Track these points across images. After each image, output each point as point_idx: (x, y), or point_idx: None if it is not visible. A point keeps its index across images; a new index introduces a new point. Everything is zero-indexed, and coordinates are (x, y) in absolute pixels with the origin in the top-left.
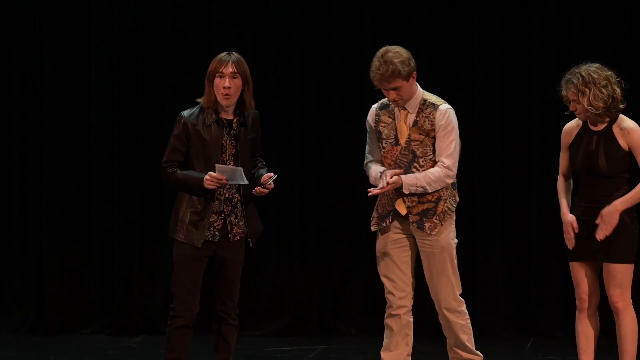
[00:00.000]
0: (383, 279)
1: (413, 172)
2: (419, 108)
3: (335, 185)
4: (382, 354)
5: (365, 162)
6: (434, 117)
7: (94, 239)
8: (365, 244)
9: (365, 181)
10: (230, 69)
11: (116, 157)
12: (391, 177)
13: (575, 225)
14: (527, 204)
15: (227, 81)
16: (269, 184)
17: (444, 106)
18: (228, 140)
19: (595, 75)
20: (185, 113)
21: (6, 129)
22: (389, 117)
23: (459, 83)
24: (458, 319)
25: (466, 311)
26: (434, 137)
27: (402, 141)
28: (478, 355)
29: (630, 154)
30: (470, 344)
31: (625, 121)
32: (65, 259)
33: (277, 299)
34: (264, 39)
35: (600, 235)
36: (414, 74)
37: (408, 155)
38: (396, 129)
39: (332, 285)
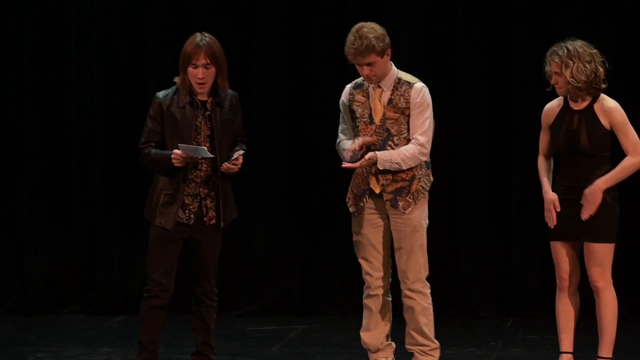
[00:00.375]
0: (360, 260)
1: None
2: (394, 86)
3: (317, 167)
4: (362, 334)
5: (337, 141)
6: (409, 95)
7: (75, 220)
8: (346, 224)
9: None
10: (203, 60)
11: (98, 141)
12: (362, 144)
13: (557, 204)
14: (508, 184)
15: (200, 72)
16: (235, 159)
17: (419, 84)
18: (203, 122)
19: (580, 50)
20: (160, 94)
21: None
22: (363, 96)
23: (439, 64)
24: (421, 300)
25: (429, 295)
26: (409, 116)
27: (377, 120)
28: (434, 342)
29: (611, 133)
30: (429, 330)
31: (607, 100)
32: (45, 240)
33: (258, 278)
34: (248, 22)
35: (585, 215)
36: (389, 51)
37: (382, 133)
38: (370, 108)
39: (313, 265)
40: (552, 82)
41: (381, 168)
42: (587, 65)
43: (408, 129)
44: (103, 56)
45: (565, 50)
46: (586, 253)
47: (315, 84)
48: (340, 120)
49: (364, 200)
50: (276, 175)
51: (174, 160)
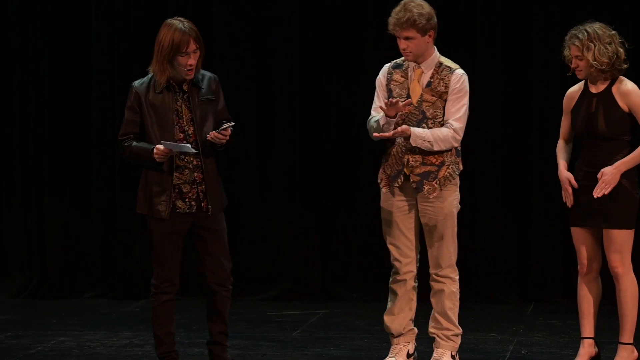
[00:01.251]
0: (389, 246)
1: None
2: (434, 70)
3: (336, 149)
4: (385, 317)
5: (369, 118)
6: (449, 80)
7: (95, 204)
8: (366, 208)
9: (366, 144)
10: (193, 46)
11: (117, 120)
12: (396, 101)
13: (573, 181)
14: (529, 169)
15: (192, 58)
16: (224, 129)
17: (460, 71)
18: (183, 105)
19: (600, 32)
20: (136, 83)
21: (7, 95)
22: (402, 76)
23: (459, 46)
24: (450, 285)
25: (458, 281)
26: (446, 100)
27: (414, 100)
28: (457, 327)
29: (630, 116)
30: (453, 315)
31: (625, 82)
32: (67, 224)
33: (279, 263)
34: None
35: (598, 192)
36: (432, 32)
37: (418, 115)
38: (408, 89)
39: (333, 249)
40: (572, 66)
41: (413, 144)
42: (608, 47)
43: (443, 114)
44: (122, 32)
45: (585, 33)
46: (605, 239)
47: (333, 66)
48: (375, 98)
49: (399, 181)
50: (294, 157)
51: (155, 155)
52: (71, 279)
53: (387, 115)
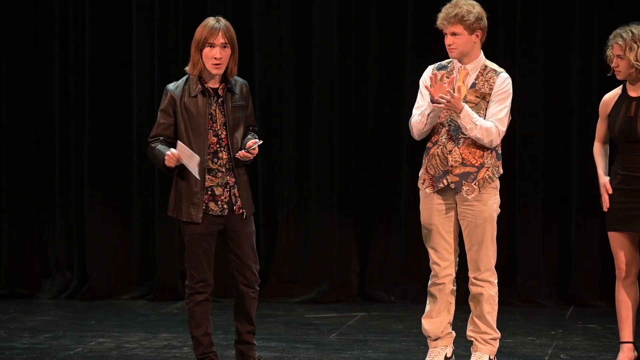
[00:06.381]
0: (429, 249)
1: (462, 135)
2: (480, 72)
3: (375, 152)
4: (424, 320)
5: (411, 117)
6: (493, 82)
7: (135, 205)
8: (405, 211)
9: (405, 146)
10: (221, 39)
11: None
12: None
13: (609, 186)
14: (568, 172)
15: (218, 51)
16: (253, 149)
17: (505, 74)
18: (217, 109)
19: None
20: (171, 86)
21: (48, 97)
22: (446, 77)
23: (499, 49)
24: (489, 289)
25: (496, 284)
26: (489, 102)
27: None
28: (496, 332)
29: None
30: (492, 318)
31: None
32: (106, 226)
33: (316, 266)
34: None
35: None
36: (479, 32)
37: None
38: (452, 89)
39: (371, 252)
40: (612, 65)
41: (461, 118)
42: None
43: (484, 116)
44: (162, 32)
45: (630, 33)
46: None
47: (371, 63)
48: (418, 98)
49: (444, 181)
50: (332, 160)
51: (165, 157)
52: (110, 280)
53: (432, 101)
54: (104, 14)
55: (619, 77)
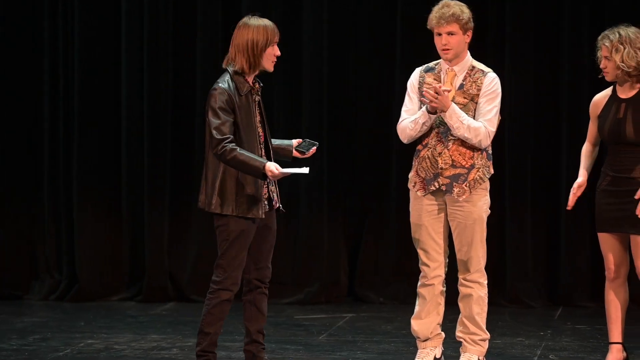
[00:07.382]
0: (418, 250)
1: (451, 137)
2: (467, 73)
3: (365, 152)
4: (413, 321)
5: (400, 120)
6: (481, 82)
7: (124, 207)
8: (394, 212)
9: (395, 148)
10: (278, 37)
11: (146, 124)
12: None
13: (578, 189)
14: (557, 172)
15: (277, 49)
16: (309, 153)
17: (493, 74)
18: (256, 107)
19: (632, 36)
20: (224, 85)
21: (36, 98)
22: (435, 79)
23: (488, 49)
24: (478, 290)
25: (486, 285)
26: (477, 103)
27: None
28: (485, 332)
29: None
30: (481, 319)
31: None
32: (95, 227)
33: (306, 267)
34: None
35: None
36: (470, 32)
37: None
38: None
39: (361, 253)
40: (601, 66)
41: (447, 117)
42: (638, 51)
43: (474, 117)
44: (151, 35)
45: (617, 35)
46: (633, 245)
47: (362, 62)
48: (406, 101)
49: (435, 184)
50: (322, 160)
51: (268, 173)
52: (99, 282)
53: (428, 112)
54: (93, 12)
55: (607, 79)
